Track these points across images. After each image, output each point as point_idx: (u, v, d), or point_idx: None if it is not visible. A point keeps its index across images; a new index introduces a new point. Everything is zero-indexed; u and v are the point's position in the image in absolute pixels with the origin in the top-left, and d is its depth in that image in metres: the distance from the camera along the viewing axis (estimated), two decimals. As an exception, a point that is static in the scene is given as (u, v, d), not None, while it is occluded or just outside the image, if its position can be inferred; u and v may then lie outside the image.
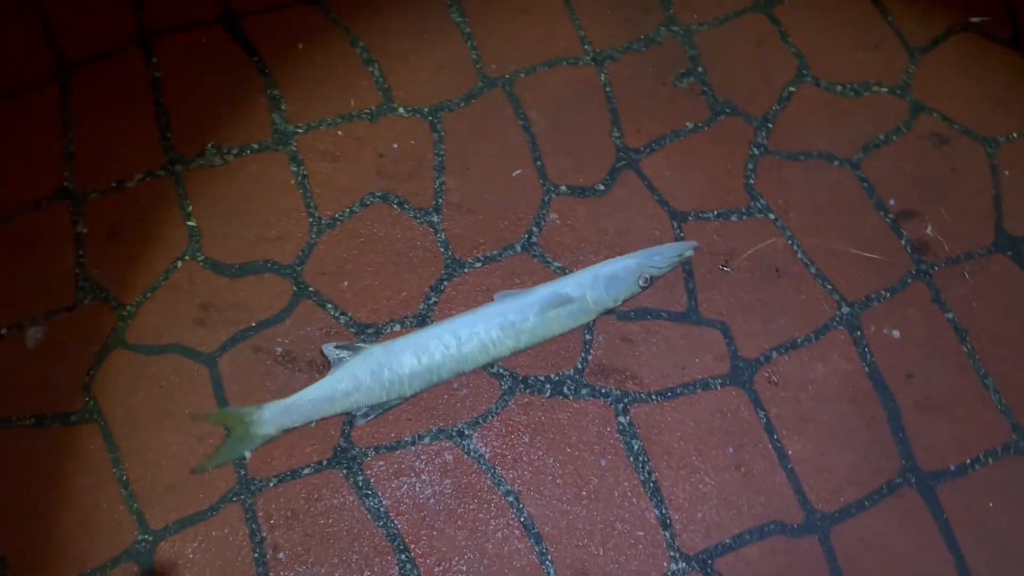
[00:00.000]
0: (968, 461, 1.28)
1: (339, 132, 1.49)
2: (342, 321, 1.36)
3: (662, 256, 1.31)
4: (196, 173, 1.45)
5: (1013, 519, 1.25)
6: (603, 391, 1.32)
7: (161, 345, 1.34)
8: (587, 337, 1.35)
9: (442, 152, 1.48)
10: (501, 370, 1.33)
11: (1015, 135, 1.49)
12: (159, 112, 1.50)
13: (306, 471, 1.27)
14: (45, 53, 1.54)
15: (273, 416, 1.27)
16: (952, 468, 1.28)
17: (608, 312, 1.34)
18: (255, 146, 1.48)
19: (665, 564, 1.23)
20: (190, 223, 1.42)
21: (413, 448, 1.29)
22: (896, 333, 1.35)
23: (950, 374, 1.33)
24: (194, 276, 1.39)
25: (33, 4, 1.58)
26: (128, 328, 1.35)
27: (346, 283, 1.38)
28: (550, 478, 1.28)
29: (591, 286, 1.30)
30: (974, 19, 1.58)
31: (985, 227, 1.42)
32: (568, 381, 1.33)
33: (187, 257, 1.40)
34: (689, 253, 1.33)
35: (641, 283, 1.30)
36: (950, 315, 1.36)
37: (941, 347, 1.34)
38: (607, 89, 1.53)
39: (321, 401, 1.27)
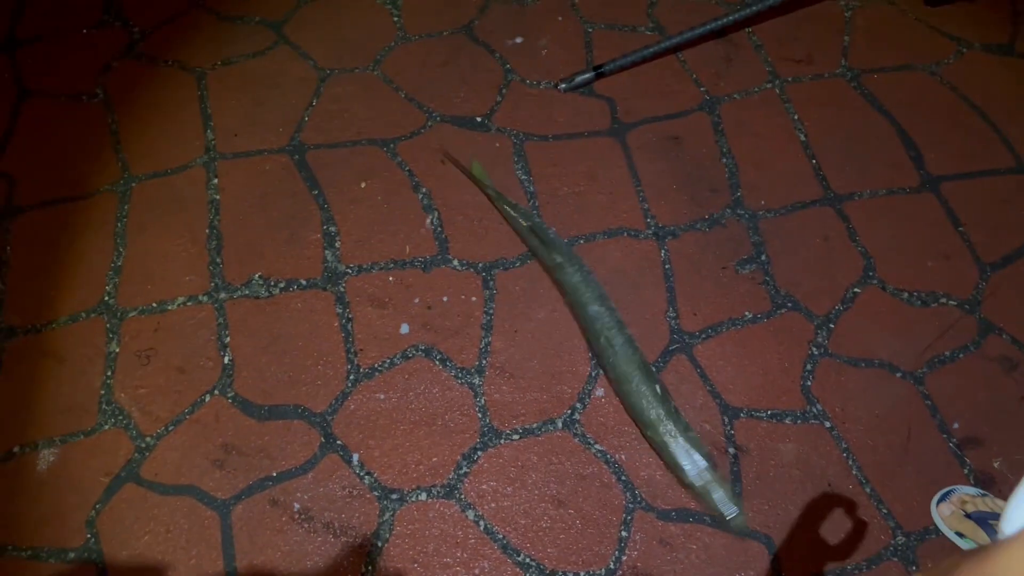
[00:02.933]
0: None
1: (390, 278, 1.46)
2: (366, 481, 1.29)
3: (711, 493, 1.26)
4: (239, 303, 1.42)
5: None
6: (634, 598, 1.23)
7: (177, 485, 1.28)
8: (623, 534, 1.27)
9: (491, 311, 1.44)
10: (528, 560, 1.24)
11: (1087, 369, 1.42)
12: (212, 235, 1.48)
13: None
14: (111, 163, 1.54)
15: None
16: None
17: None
18: (303, 282, 1.44)
19: None
20: (226, 356, 1.37)
21: (424, 637, 1.19)
22: None
23: (1012, 628, 1.22)
24: (221, 413, 1.33)
25: (104, 113, 1.59)
26: (145, 461, 1.28)
27: (375, 440, 1.32)
28: None
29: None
30: (1048, 239, 1.54)
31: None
32: (598, 581, 1.24)
33: (217, 392, 1.35)
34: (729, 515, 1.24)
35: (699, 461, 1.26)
36: (1014, 561, 1.26)
37: (1003, 596, 1.24)
38: (666, 266, 1.50)
39: None
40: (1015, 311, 1.47)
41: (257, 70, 1.70)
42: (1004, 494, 1.31)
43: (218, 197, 1.52)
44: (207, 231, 1.48)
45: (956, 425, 1.37)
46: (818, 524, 1.28)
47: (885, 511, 1.30)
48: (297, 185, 1.54)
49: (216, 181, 1.54)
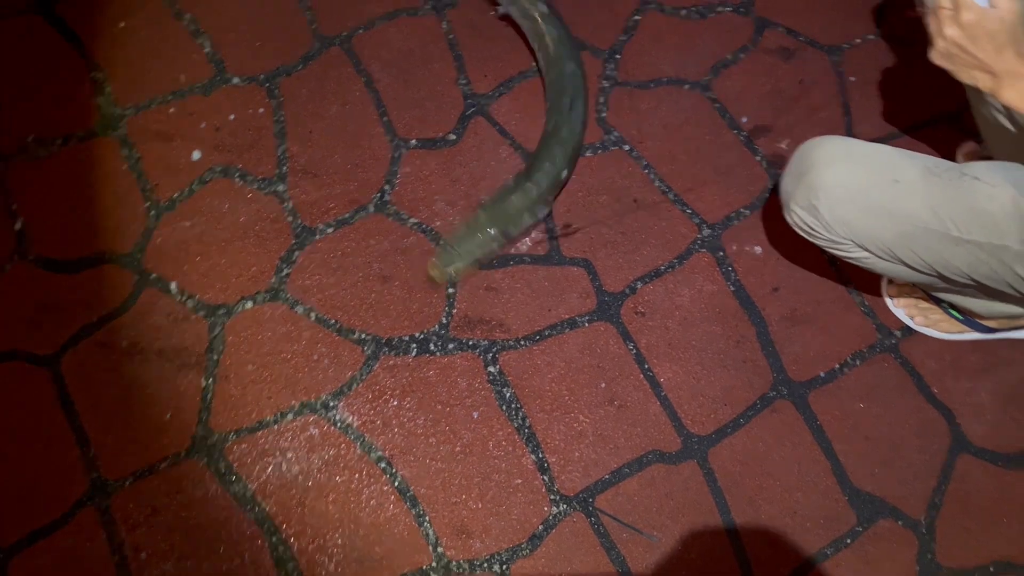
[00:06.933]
0: (837, 366, 1.28)
1: (171, 110, 1.41)
2: (189, 305, 1.29)
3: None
4: (18, 168, 1.36)
5: (882, 417, 1.25)
6: (470, 343, 1.28)
7: (-5, 355, 1.26)
8: (450, 291, 1.31)
9: (282, 119, 1.41)
10: (363, 336, 1.28)
11: (857, 40, 1.49)
12: (-28, 109, 1.40)
13: (163, 465, 1.20)
14: None
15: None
16: (822, 375, 1.27)
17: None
18: (81, 134, 1.39)
19: (546, 508, 1.20)
20: (17, 223, 1.33)
21: (276, 427, 1.23)
22: (758, 249, 1.34)
23: (814, 283, 1.32)
24: (26, 277, 1.30)
25: None
26: (-44, 340, 1.26)
27: (190, 265, 1.31)
28: (422, 438, 1.23)
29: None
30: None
31: (835, 135, 1.41)
32: (434, 338, 1.28)
33: (16, 258, 1.31)
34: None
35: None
36: (809, 225, 1.35)
37: (804, 258, 1.33)
38: (450, 36, 1.48)
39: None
40: (786, 3, 1.51)
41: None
42: (794, 170, 1.38)
43: (-31, 70, 1.43)
44: (-35, 106, 1.40)
45: (744, 120, 1.43)
46: (630, 237, 1.34)
47: (689, 211, 1.37)
48: (53, 40, 1.45)
49: (-37, 54, 1.44)
